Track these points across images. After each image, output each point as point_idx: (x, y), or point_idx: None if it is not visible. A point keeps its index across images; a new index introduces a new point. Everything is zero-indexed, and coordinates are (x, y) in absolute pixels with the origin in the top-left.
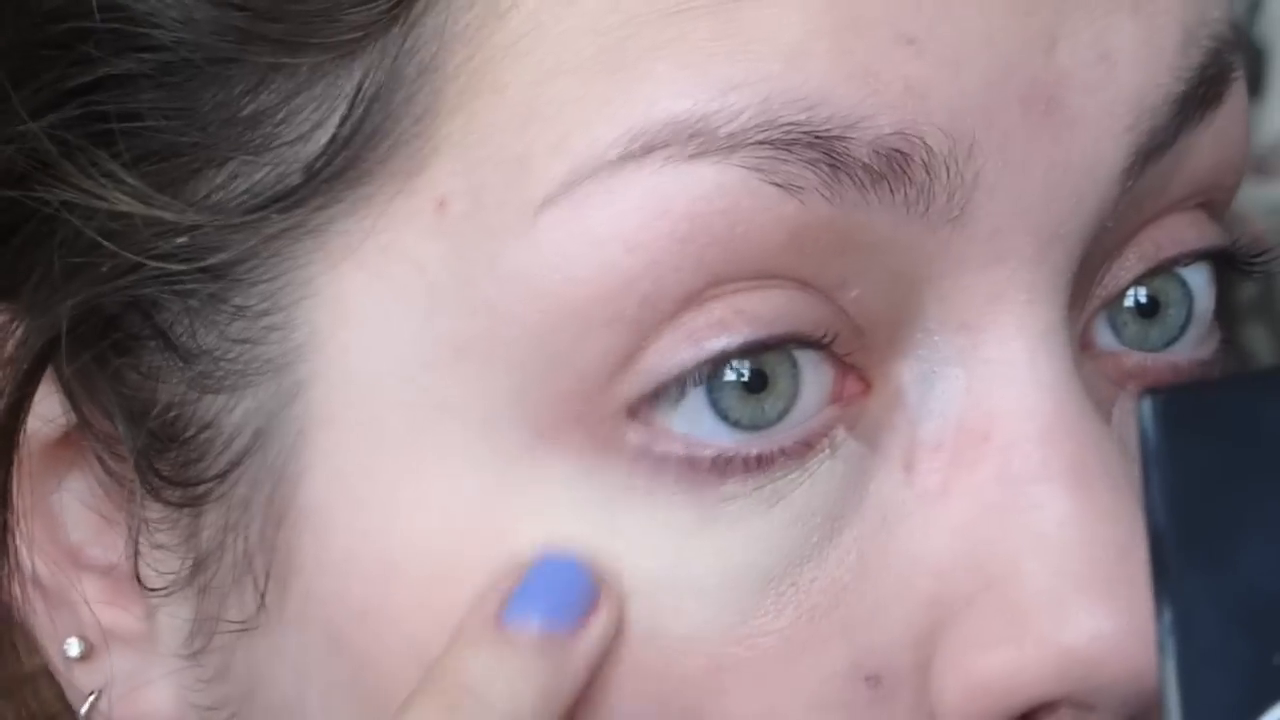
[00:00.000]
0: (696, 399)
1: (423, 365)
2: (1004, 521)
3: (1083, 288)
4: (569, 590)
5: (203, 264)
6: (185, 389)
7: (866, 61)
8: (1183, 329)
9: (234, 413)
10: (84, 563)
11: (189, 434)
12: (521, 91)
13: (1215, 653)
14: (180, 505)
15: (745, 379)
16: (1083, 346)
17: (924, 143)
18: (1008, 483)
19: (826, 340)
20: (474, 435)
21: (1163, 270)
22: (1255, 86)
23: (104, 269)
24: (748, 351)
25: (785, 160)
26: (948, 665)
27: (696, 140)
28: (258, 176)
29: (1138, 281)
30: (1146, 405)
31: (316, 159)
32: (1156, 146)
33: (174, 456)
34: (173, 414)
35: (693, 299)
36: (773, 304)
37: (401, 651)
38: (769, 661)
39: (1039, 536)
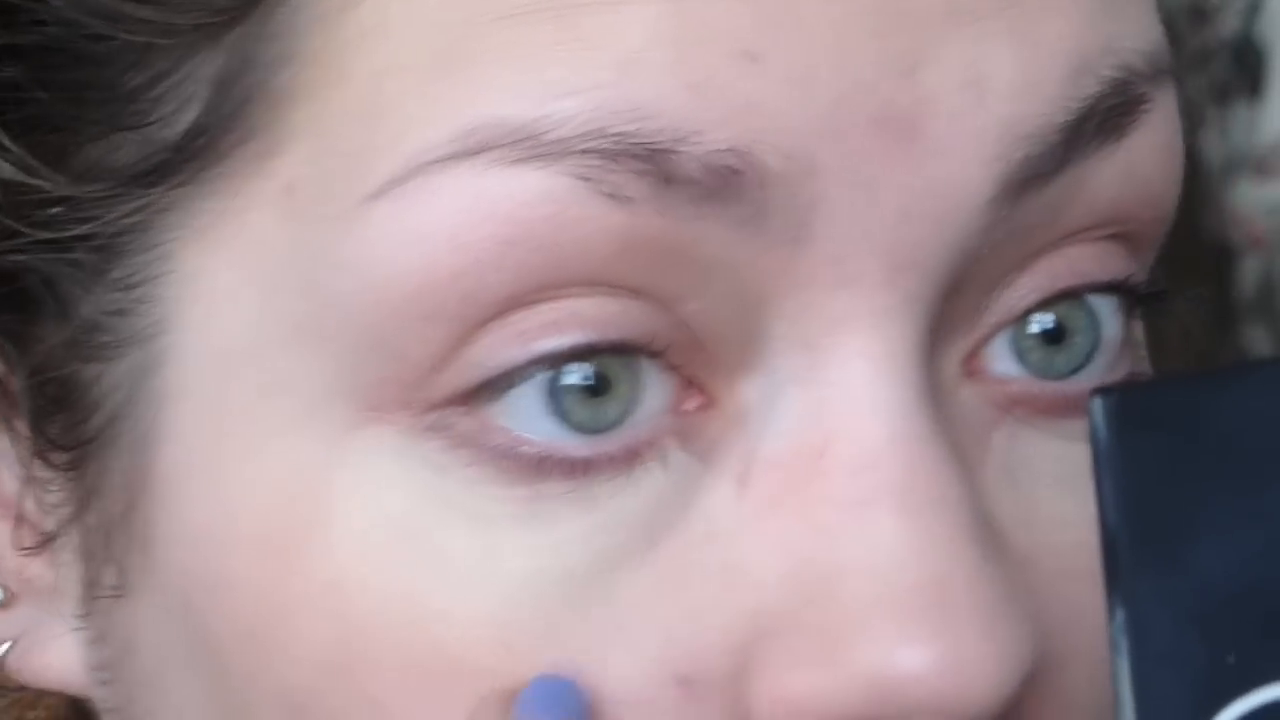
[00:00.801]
0: (535, 398)
1: (263, 343)
2: (830, 542)
3: (961, 313)
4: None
5: (75, 233)
6: (72, 355)
7: (704, 74)
8: (1089, 356)
9: (107, 381)
10: (11, 511)
11: (72, 398)
12: (365, 83)
13: (1169, 653)
14: (65, 468)
15: (589, 382)
16: (970, 372)
17: (759, 161)
18: (836, 504)
19: (659, 349)
20: (306, 412)
21: (1069, 297)
22: (1255, 86)
23: None
24: (578, 355)
25: (613, 170)
26: (761, 678)
27: (524, 144)
28: (129, 152)
29: (1041, 308)
30: (1097, 405)
31: (182, 137)
32: (1032, 177)
33: (60, 419)
34: (61, 376)
35: (520, 299)
36: (607, 310)
37: (235, 625)
38: (577, 660)
39: (860, 560)
